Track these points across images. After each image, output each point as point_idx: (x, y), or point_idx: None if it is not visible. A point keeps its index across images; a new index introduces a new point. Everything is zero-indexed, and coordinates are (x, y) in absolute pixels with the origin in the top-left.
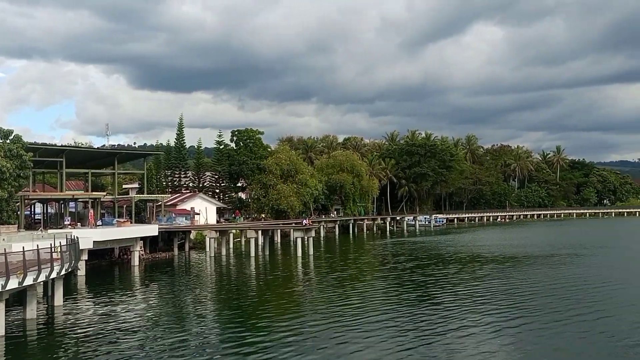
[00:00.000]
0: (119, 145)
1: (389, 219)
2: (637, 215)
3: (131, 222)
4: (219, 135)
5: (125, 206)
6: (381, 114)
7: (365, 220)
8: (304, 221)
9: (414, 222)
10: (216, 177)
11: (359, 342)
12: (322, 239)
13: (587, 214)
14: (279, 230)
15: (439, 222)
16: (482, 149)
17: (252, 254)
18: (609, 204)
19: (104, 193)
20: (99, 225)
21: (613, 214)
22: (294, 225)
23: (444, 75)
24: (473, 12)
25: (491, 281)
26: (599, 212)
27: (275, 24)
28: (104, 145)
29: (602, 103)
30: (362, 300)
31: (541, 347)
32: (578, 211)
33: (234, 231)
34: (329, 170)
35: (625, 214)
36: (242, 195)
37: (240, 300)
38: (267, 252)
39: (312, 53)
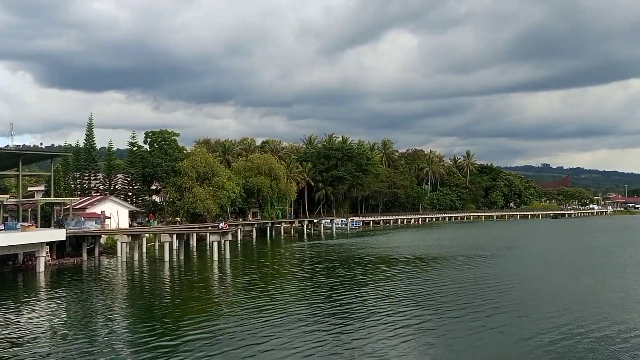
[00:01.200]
0: (24, 145)
1: (306, 222)
2: (540, 217)
3: (36, 227)
4: (132, 137)
5: (30, 210)
6: (299, 118)
7: (283, 224)
8: (221, 224)
9: (331, 225)
10: (129, 179)
11: (272, 343)
12: (239, 242)
13: (495, 216)
14: (194, 234)
15: (355, 224)
16: (397, 153)
17: (167, 258)
18: (514, 207)
19: (7, 196)
20: (1, 230)
21: (518, 216)
22: (210, 228)
23: (361, 80)
24: (388, 19)
25: (403, 281)
26: (505, 215)
27: (192, 24)
28: (8, 145)
29: (509, 110)
30: (278, 302)
31: (447, 344)
32: (486, 214)
33: (147, 235)
34: (246, 173)
35: (529, 217)
36: (157, 198)
37: (152, 306)
38: (182, 257)
39: (230, 55)
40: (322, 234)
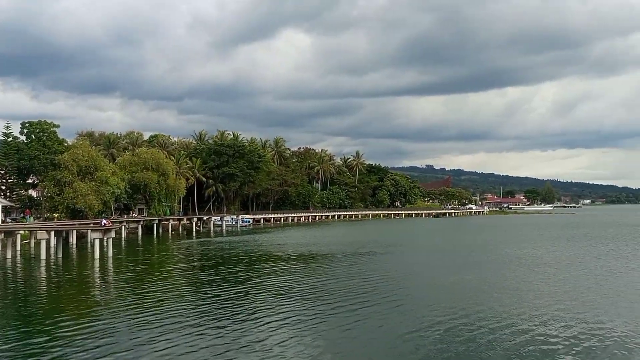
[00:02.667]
0: None
1: (195, 219)
2: (423, 216)
3: None
4: (7, 127)
5: None
6: (190, 113)
7: (171, 221)
8: (103, 221)
9: (220, 223)
10: (2, 172)
11: (154, 343)
12: (123, 240)
13: (381, 215)
14: (74, 231)
15: (246, 222)
16: (289, 152)
17: (43, 257)
18: (400, 206)
19: None
20: None
21: (403, 215)
22: (91, 225)
23: (254, 77)
24: (282, 17)
25: (289, 278)
26: (391, 213)
27: (76, 11)
28: None
29: (397, 113)
30: (162, 301)
31: (328, 340)
32: (373, 212)
33: (22, 232)
34: (132, 168)
35: (414, 215)
36: (33, 193)
37: (24, 307)
38: (60, 255)
39: (117, 45)
40: (211, 231)
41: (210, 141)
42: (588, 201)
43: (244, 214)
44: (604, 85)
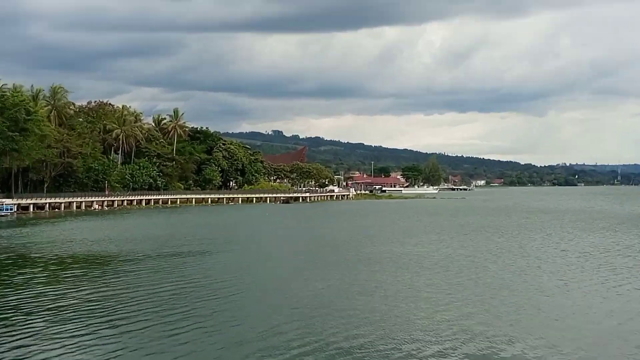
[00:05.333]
0: None
1: None
2: (268, 201)
3: None
4: None
5: None
6: None
7: None
8: None
9: None
10: None
11: None
12: None
13: (210, 200)
14: None
15: (7, 210)
16: (73, 107)
17: None
18: (236, 187)
19: None
20: None
21: (240, 199)
22: None
23: None
24: None
25: (69, 290)
26: (224, 198)
27: None
28: None
29: (234, 56)
30: None
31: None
32: (199, 196)
33: None
34: None
35: (254, 200)
36: None
37: None
38: None
39: None
40: None
41: None
42: (482, 182)
43: (3, 199)
44: (504, 29)
